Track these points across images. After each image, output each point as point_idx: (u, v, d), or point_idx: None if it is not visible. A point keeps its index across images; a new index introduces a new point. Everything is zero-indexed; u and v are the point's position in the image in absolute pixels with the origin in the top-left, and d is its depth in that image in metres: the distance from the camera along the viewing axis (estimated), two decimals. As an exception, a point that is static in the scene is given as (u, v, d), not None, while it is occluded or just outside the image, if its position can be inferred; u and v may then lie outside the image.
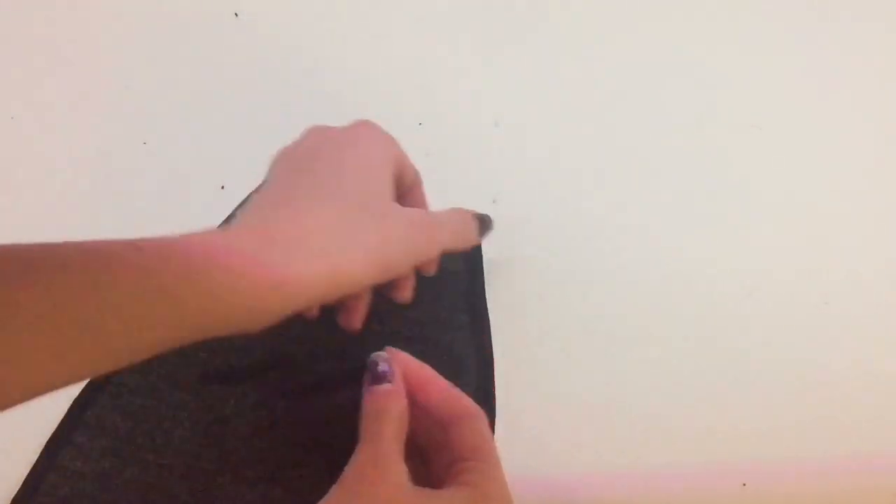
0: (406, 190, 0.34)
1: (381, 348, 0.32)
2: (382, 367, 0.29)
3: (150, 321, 0.21)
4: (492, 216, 0.34)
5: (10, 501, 0.35)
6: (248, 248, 0.23)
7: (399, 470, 0.26)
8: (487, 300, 0.41)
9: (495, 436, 0.37)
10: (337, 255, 0.25)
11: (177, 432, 0.36)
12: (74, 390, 0.37)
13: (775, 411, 0.41)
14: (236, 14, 0.45)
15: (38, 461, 0.36)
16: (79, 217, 0.42)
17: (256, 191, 0.31)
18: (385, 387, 0.29)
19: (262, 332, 0.36)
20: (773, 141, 0.45)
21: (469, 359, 0.39)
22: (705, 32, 0.47)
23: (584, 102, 0.45)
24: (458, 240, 0.31)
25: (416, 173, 0.34)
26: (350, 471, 0.26)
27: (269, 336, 0.37)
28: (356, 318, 0.32)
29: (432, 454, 0.31)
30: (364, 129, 0.31)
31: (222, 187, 0.42)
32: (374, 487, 0.26)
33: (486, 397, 0.38)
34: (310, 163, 0.29)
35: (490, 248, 0.42)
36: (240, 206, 0.39)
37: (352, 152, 0.29)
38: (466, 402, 0.30)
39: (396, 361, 0.30)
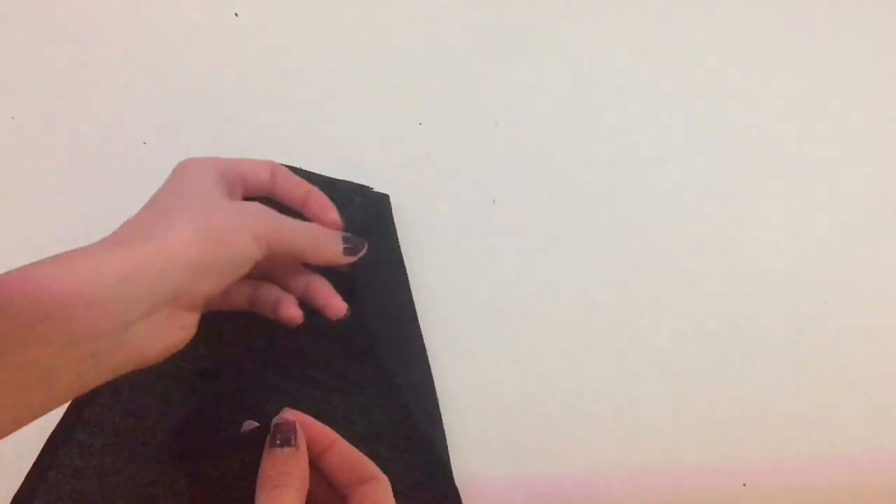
0: (264, 189, 0.35)
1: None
2: (286, 429, 0.28)
3: None
4: (363, 244, 0.35)
5: (10, 500, 0.35)
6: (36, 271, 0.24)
7: None
8: (487, 300, 0.41)
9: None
10: (146, 238, 0.26)
11: (178, 429, 0.36)
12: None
13: (775, 411, 0.41)
14: (236, 14, 0.45)
15: (38, 459, 0.36)
16: (79, 217, 0.42)
17: None
18: (287, 450, 0.28)
19: (262, 330, 0.37)
20: (773, 141, 0.45)
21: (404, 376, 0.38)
22: (705, 33, 0.47)
23: (584, 102, 0.45)
24: (310, 245, 0.32)
25: (271, 172, 0.35)
26: None
27: (268, 333, 0.37)
28: (284, 309, 0.33)
29: None
30: (177, 168, 0.32)
31: (222, 187, 0.42)
32: None
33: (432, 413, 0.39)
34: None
35: (490, 248, 0.42)
36: None
37: (164, 187, 0.31)
38: (368, 467, 0.29)
39: (299, 423, 0.29)
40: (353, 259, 0.34)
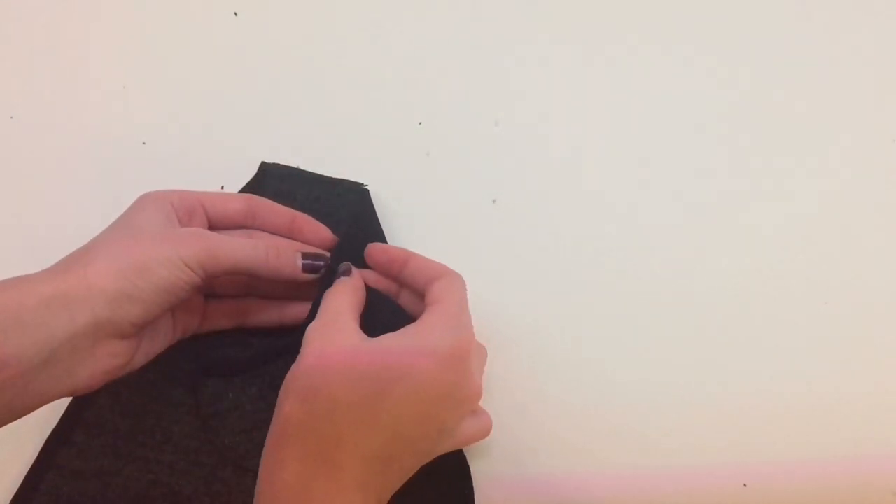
0: (236, 221, 0.35)
1: None
2: (343, 268, 0.35)
3: None
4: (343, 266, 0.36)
5: (10, 501, 0.35)
6: None
7: (345, 328, 0.30)
8: (487, 299, 0.41)
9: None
10: (68, 270, 0.28)
11: (176, 428, 0.36)
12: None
13: (776, 412, 0.41)
14: (236, 13, 0.45)
15: (37, 460, 0.36)
16: (79, 217, 0.42)
17: None
18: (342, 279, 0.34)
19: (260, 329, 0.37)
20: (772, 141, 0.45)
21: None
22: (707, 31, 0.47)
23: (584, 102, 0.45)
24: (259, 263, 0.32)
25: (246, 204, 0.35)
26: (303, 343, 0.30)
27: (266, 330, 0.37)
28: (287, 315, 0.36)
29: None
30: (137, 199, 0.33)
31: (222, 187, 0.42)
32: (321, 346, 0.29)
33: None
34: None
35: (490, 248, 0.42)
36: None
37: (117, 219, 0.32)
38: (439, 268, 0.34)
39: (372, 250, 0.36)
40: (312, 277, 0.35)
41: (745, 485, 0.40)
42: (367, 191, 0.41)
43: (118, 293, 0.27)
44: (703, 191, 0.44)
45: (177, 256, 0.29)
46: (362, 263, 0.37)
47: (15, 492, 0.35)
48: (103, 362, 0.28)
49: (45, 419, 0.36)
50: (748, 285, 0.42)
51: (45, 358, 0.26)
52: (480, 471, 0.38)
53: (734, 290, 0.42)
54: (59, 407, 0.36)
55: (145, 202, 0.32)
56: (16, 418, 0.27)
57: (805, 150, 0.45)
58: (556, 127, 0.45)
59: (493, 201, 0.43)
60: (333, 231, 0.37)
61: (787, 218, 0.44)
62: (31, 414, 0.36)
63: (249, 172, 0.41)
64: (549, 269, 0.42)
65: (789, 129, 0.45)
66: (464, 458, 0.37)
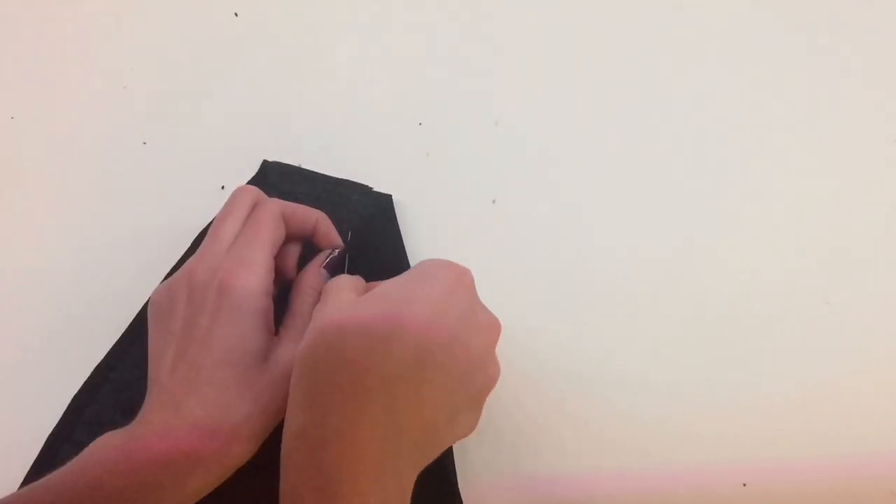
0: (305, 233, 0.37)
1: None
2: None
3: None
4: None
5: (9, 500, 0.35)
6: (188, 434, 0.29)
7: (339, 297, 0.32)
8: (487, 300, 0.41)
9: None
10: (216, 433, 0.30)
11: None
12: (73, 388, 0.37)
13: (776, 412, 0.41)
14: (236, 14, 0.46)
15: (38, 459, 0.36)
16: (79, 217, 0.42)
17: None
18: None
19: None
20: (773, 141, 0.45)
21: None
22: (706, 32, 0.47)
23: (584, 102, 0.45)
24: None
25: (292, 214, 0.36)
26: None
27: None
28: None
29: None
30: (219, 287, 0.32)
31: (222, 187, 0.42)
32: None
33: None
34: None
35: (490, 248, 0.42)
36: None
37: (196, 312, 0.32)
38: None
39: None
40: None
41: (744, 485, 0.40)
42: (391, 196, 0.41)
43: (248, 454, 0.31)
44: (704, 191, 0.44)
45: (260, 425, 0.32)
46: (374, 264, 0.37)
47: (15, 491, 0.35)
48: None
49: (45, 418, 0.36)
50: (749, 285, 0.42)
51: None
52: (479, 471, 0.38)
53: (735, 290, 0.42)
54: (58, 406, 0.36)
55: (232, 308, 0.31)
56: None
57: (805, 151, 0.45)
58: (555, 127, 0.45)
59: (493, 201, 0.43)
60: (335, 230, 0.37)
61: (787, 218, 0.44)
62: (31, 413, 0.37)
63: (249, 172, 0.41)
64: (549, 269, 0.42)
65: (790, 129, 0.45)
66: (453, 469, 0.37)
